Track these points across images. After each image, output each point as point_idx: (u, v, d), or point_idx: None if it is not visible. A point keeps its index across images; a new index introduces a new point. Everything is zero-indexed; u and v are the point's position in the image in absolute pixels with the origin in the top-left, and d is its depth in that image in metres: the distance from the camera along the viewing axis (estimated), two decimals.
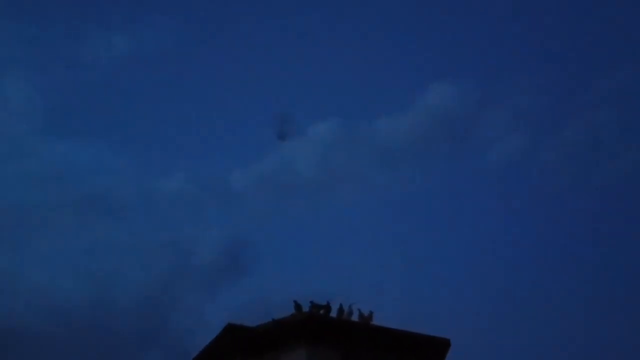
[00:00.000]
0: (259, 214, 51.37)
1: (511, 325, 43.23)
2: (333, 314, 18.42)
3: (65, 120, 54.61)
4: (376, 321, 18.61)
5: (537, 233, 50.58)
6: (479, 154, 52.42)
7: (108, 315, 45.44)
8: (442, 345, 18.56)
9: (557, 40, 53.19)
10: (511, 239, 50.05)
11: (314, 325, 17.46)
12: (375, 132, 51.85)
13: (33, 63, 55.74)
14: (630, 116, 49.87)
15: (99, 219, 50.21)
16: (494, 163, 51.15)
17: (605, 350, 38.87)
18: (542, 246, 49.52)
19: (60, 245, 50.22)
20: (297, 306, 17.94)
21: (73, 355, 42.24)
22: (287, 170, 51.51)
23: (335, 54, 56.22)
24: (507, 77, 56.56)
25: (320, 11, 56.88)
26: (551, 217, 50.48)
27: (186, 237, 51.06)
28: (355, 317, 18.56)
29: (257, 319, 17.99)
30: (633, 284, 43.39)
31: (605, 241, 47.51)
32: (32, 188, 50.55)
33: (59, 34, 56.08)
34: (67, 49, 54.97)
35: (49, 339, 42.55)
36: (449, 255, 50.24)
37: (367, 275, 43.44)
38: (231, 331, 17.21)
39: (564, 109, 53.29)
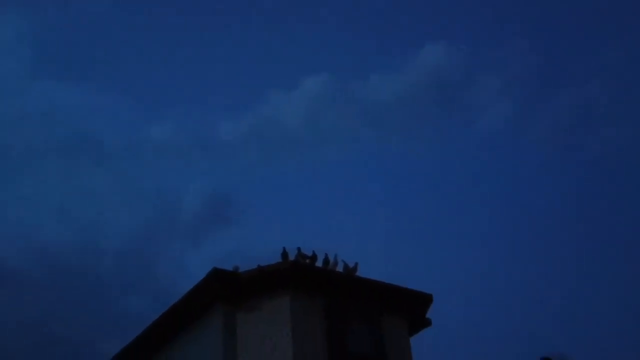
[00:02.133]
0: (246, 167, 51.34)
1: (491, 285, 43.91)
2: (319, 264, 18.46)
3: (55, 60, 53.67)
4: (360, 274, 18.67)
5: (524, 200, 50.95)
6: (469, 120, 52.46)
7: (90, 258, 45.51)
8: (424, 300, 18.73)
9: (554, 8, 52.71)
10: (498, 202, 50.46)
11: (299, 273, 17.47)
12: (365, 90, 51.65)
13: (23, 1, 54.58)
14: (622, 89, 49.91)
15: (84, 163, 49.91)
16: (484, 128, 51.23)
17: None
18: (528, 211, 49.97)
19: (44, 187, 49.92)
20: (284, 254, 17.91)
21: (53, 295, 42.39)
22: (276, 123, 51.31)
23: (331, 6, 55.49)
24: (501, 41, 56.19)
25: None
26: (539, 187, 50.80)
27: (172, 186, 51.01)
28: (340, 268, 18.62)
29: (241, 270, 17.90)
30: (619, 256, 43.86)
31: (592, 213, 47.95)
32: (17, 128, 50.00)
33: None
34: None
35: (30, 278, 42.61)
36: (433, 216, 50.61)
37: (352, 231, 43.74)
38: (216, 276, 17.12)
39: (555, 78, 53.18)
